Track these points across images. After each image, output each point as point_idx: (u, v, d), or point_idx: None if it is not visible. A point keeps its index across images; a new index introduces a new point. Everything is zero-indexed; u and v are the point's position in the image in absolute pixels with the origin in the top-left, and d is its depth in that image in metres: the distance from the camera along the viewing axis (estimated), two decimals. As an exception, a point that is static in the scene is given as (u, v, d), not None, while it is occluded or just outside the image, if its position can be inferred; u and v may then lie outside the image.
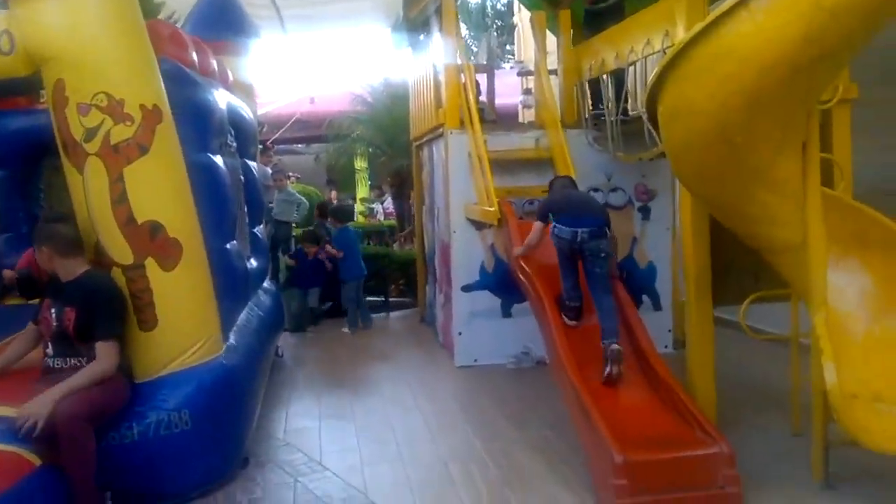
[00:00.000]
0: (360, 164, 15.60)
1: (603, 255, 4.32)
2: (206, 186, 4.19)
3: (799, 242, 3.49)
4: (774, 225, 3.51)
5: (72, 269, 3.57)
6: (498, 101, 8.15)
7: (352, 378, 6.09)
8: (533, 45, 6.89)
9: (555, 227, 4.44)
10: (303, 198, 9.19)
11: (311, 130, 15.85)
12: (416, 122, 7.75)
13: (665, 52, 4.15)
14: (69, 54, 3.57)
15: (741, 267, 4.63)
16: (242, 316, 4.92)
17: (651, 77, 3.44)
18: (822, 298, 3.44)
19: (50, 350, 3.56)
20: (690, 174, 3.61)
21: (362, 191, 17.38)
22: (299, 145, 17.21)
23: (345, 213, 8.15)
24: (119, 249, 3.64)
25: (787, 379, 4.26)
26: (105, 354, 3.45)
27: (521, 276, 4.82)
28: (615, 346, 4.07)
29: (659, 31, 4.52)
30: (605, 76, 5.38)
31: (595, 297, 4.35)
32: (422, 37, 7.18)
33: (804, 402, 4.05)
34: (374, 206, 15.56)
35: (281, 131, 15.25)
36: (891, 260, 3.71)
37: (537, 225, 4.65)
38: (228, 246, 4.63)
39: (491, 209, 5.25)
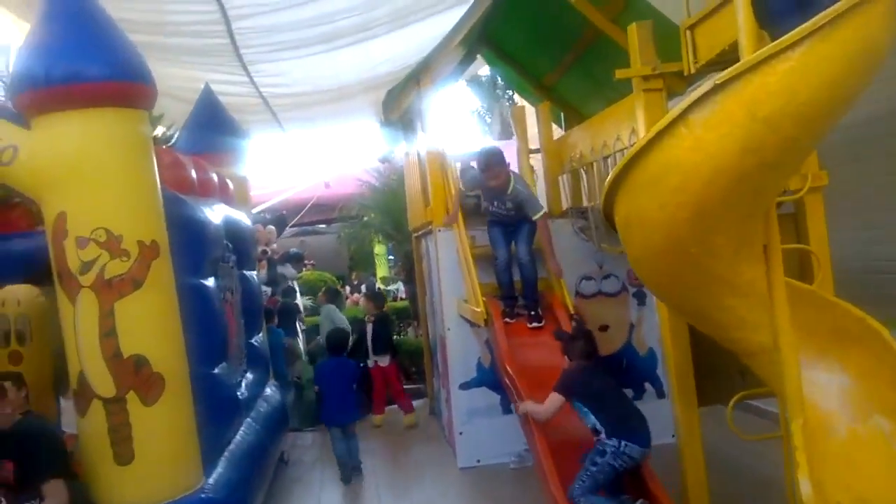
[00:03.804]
0: (378, 249, 15.75)
1: None
2: (196, 312, 4.24)
3: (772, 345, 3.40)
4: (745, 329, 3.43)
5: (10, 418, 3.59)
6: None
7: (354, 484, 5.99)
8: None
9: (624, 444, 3.99)
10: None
11: (328, 213, 16.16)
12: (412, 214, 7.79)
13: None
14: (76, 188, 3.68)
15: (727, 365, 4.50)
16: (237, 437, 4.86)
17: (605, 186, 3.42)
18: (800, 405, 3.32)
19: None
20: (653, 282, 3.55)
21: (381, 270, 17.50)
22: (321, 225, 17.51)
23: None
24: (102, 382, 3.67)
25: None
26: (52, 493, 3.43)
27: (506, 379, 4.75)
28: None
29: (626, 127, 4.53)
30: (583, 168, 5.39)
31: None
32: (406, 137, 7.26)
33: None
34: (394, 286, 15.58)
35: (300, 216, 15.62)
36: (869, 354, 3.57)
37: (557, 398, 4.24)
38: (217, 370, 4.62)
39: (478, 310, 5.20)
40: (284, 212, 13.67)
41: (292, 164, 16.30)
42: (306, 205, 15.76)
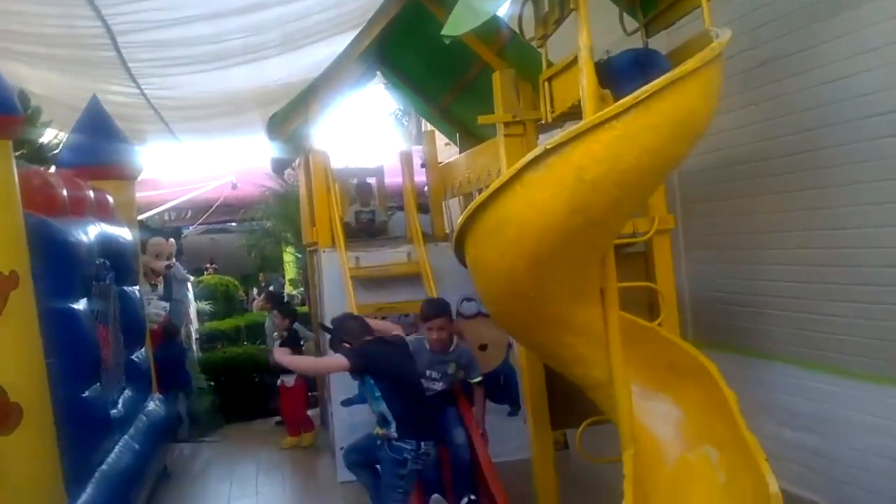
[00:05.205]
0: (287, 255, 15.73)
1: None
2: (65, 336, 4.25)
3: (607, 380, 3.67)
4: (584, 365, 3.70)
5: None
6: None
7: (239, 493, 6.11)
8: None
9: (423, 445, 3.96)
10: None
11: (235, 214, 16.07)
12: (304, 229, 7.89)
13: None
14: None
15: (580, 392, 4.81)
16: (110, 457, 4.87)
17: (455, 230, 3.64)
18: (630, 437, 3.60)
19: None
20: (501, 320, 3.80)
21: (290, 272, 17.44)
22: (232, 224, 17.37)
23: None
24: (-40, 413, 3.66)
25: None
26: None
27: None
28: None
29: (495, 166, 4.76)
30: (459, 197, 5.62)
31: None
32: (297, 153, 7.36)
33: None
34: (300, 289, 15.49)
35: (206, 215, 15.49)
36: (701, 389, 3.88)
37: (341, 362, 3.94)
38: (87, 393, 4.58)
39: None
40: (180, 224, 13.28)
41: (200, 163, 16.13)
42: (214, 204, 15.62)
